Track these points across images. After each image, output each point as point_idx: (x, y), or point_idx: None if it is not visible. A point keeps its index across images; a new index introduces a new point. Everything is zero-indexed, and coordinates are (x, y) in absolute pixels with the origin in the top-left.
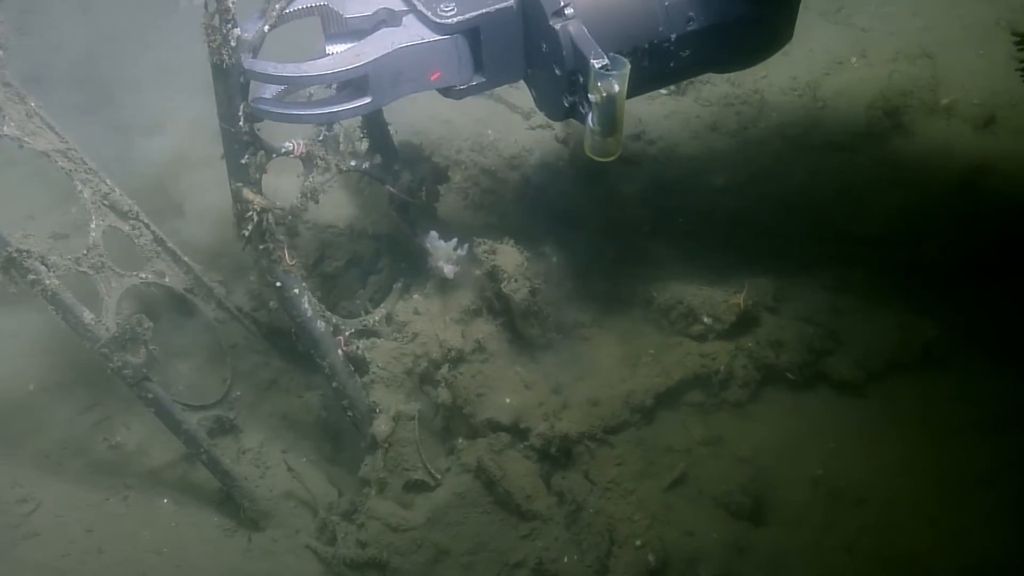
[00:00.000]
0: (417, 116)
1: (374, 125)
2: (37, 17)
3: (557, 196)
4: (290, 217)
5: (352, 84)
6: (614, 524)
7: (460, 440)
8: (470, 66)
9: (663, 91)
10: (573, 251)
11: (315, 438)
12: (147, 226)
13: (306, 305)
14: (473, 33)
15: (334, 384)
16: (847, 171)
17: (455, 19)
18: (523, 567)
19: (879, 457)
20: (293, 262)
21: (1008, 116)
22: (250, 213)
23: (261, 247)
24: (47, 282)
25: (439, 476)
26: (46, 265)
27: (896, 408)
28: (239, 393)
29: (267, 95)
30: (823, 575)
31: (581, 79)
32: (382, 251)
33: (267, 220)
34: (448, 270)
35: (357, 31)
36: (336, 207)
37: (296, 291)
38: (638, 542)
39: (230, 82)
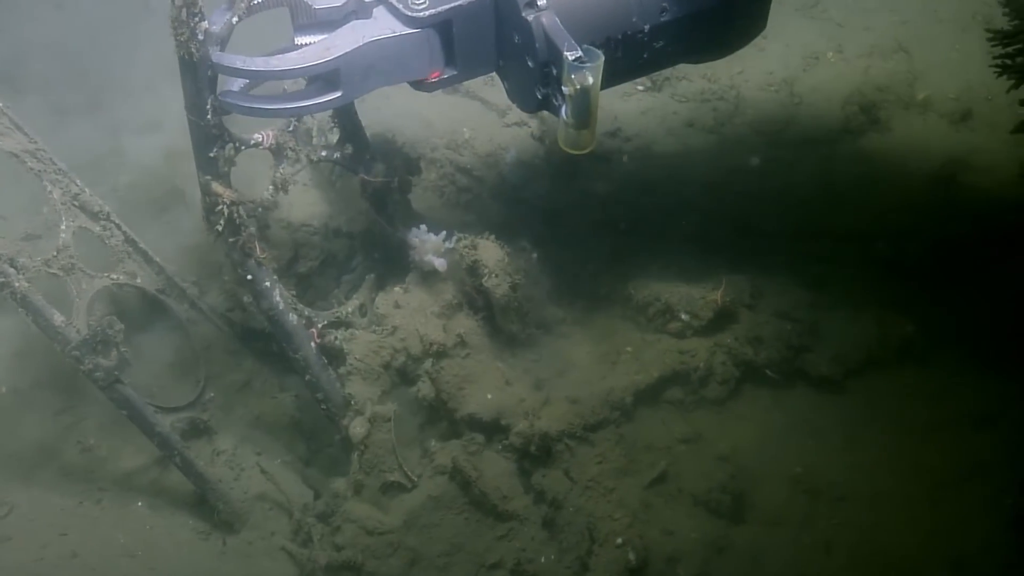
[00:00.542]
0: (391, 114)
1: (345, 115)
2: (7, 14)
3: (533, 194)
4: (261, 210)
5: (322, 78)
6: (595, 522)
7: (433, 442)
8: (441, 59)
9: (639, 87)
10: (550, 249)
11: (289, 439)
12: (118, 227)
13: (278, 298)
14: (445, 26)
15: (307, 377)
16: (824, 167)
17: (427, 12)
18: (500, 568)
19: (857, 454)
20: (264, 255)
21: (984, 110)
22: (220, 207)
23: (232, 240)
24: (16, 284)
25: (416, 478)
26: (15, 267)
27: (874, 405)
28: (212, 395)
29: (235, 88)
30: (801, 573)
31: (554, 71)
32: (355, 250)
33: (237, 213)
34: (439, 263)
35: (327, 22)
36: (309, 205)
37: (267, 284)
38: (619, 540)
39: (198, 76)
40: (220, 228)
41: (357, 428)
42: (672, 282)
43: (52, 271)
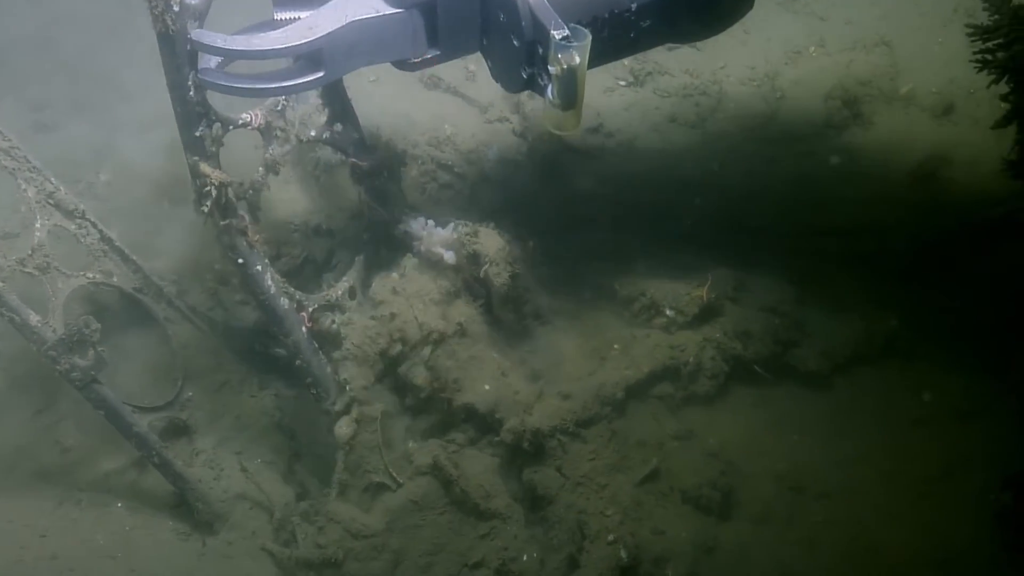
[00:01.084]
0: (372, 110)
1: (334, 94)
2: None
3: (516, 190)
4: (251, 192)
5: (305, 57)
6: (586, 519)
7: (411, 443)
8: (424, 39)
9: (621, 83)
10: (528, 248)
11: (269, 438)
12: (93, 225)
13: (269, 282)
14: (429, 6)
15: (298, 362)
16: (807, 162)
17: None
18: (483, 567)
19: (843, 450)
20: (256, 238)
21: (967, 104)
22: (208, 188)
23: (222, 223)
24: None
25: (401, 480)
26: None
27: (860, 400)
28: (191, 394)
29: (213, 66)
30: (786, 571)
31: (540, 50)
32: (335, 248)
33: (226, 195)
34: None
35: None
36: (292, 202)
37: (259, 268)
38: (610, 537)
39: (176, 50)
40: (209, 210)
41: (343, 428)
42: (656, 278)
43: (27, 270)
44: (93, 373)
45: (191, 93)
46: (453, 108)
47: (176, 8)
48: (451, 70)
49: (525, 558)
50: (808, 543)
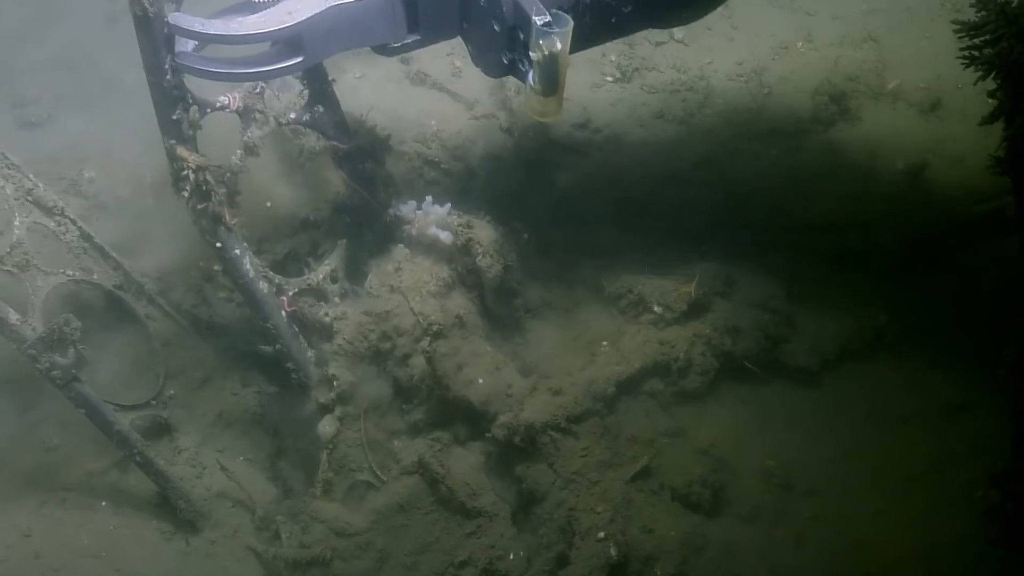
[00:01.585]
0: (358, 106)
1: (314, 75)
2: None
3: (503, 186)
4: (229, 175)
5: (284, 42)
6: (577, 515)
7: (396, 443)
8: (404, 24)
9: (608, 78)
10: (520, 241)
11: (252, 436)
12: (73, 222)
13: (248, 266)
14: None
15: (278, 346)
16: (794, 157)
17: None
18: (470, 565)
19: (831, 446)
20: (235, 221)
21: (954, 99)
22: (186, 172)
23: (200, 207)
24: None
25: (385, 478)
26: None
27: (848, 396)
28: (172, 392)
29: (190, 49)
30: (775, 568)
31: (522, 36)
32: (320, 239)
33: (204, 178)
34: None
35: None
36: (276, 195)
37: (238, 252)
38: (600, 535)
39: (153, 33)
40: (187, 194)
41: (327, 427)
42: (644, 273)
43: (6, 268)
44: (74, 371)
45: (168, 77)
46: (440, 104)
47: None
48: (438, 66)
49: (512, 556)
50: (797, 540)
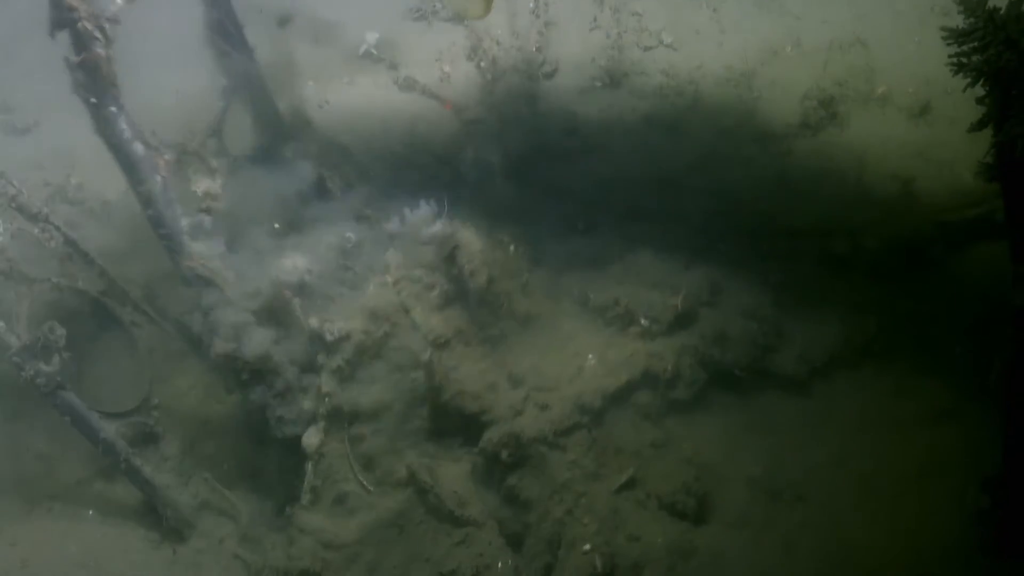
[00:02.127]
0: (349, 113)
1: None
2: None
3: (490, 194)
4: (108, 24)
5: None
6: (563, 528)
7: (385, 455)
8: None
9: (597, 84)
10: (507, 251)
11: (237, 444)
12: (57, 228)
13: (123, 125)
14: None
15: (149, 212)
16: (783, 163)
17: None
18: (458, 575)
19: (820, 453)
20: (112, 72)
21: (943, 104)
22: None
23: (76, 59)
24: None
25: (371, 488)
26: None
27: (837, 403)
28: (158, 400)
29: None
30: (761, 573)
31: None
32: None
33: (84, 26)
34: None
35: None
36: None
37: (113, 109)
38: (586, 547)
39: None
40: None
41: (311, 438)
42: (631, 284)
43: None
44: (59, 379)
45: None
46: (428, 110)
47: None
48: (427, 72)
49: (500, 565)
50: (784, 546)
